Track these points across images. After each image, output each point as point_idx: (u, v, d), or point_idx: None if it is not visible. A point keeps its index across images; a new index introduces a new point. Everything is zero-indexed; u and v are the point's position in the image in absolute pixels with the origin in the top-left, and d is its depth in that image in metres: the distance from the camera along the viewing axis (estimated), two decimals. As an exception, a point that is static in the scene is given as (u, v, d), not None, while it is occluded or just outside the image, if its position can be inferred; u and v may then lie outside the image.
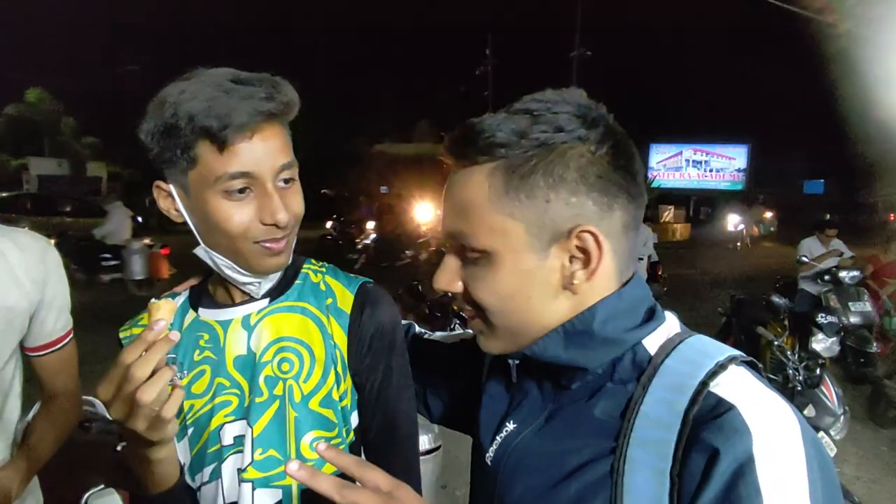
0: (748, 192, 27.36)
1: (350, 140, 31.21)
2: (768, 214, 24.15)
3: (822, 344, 4.32)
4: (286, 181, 0.92)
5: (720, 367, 0.67)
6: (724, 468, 0.59)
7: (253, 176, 0.87)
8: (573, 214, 0.69)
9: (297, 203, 0.94)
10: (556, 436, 0.75)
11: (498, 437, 0.82)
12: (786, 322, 5.05)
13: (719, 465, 0.60)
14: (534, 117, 0.69)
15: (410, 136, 37.44)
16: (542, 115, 0.69)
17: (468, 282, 0.75)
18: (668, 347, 0.71)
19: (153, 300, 0.83)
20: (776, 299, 5.05)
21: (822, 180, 31.03)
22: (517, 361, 0.81)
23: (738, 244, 20.47)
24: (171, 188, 0.92)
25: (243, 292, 0.99)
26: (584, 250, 0.70)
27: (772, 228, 23.77)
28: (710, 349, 0.70)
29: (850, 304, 5.83)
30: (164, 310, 0.80)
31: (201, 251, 0.94)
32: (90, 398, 2.06)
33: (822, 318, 4.41)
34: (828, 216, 7.17)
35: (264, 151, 0.88)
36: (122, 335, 1.03)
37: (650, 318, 0.75)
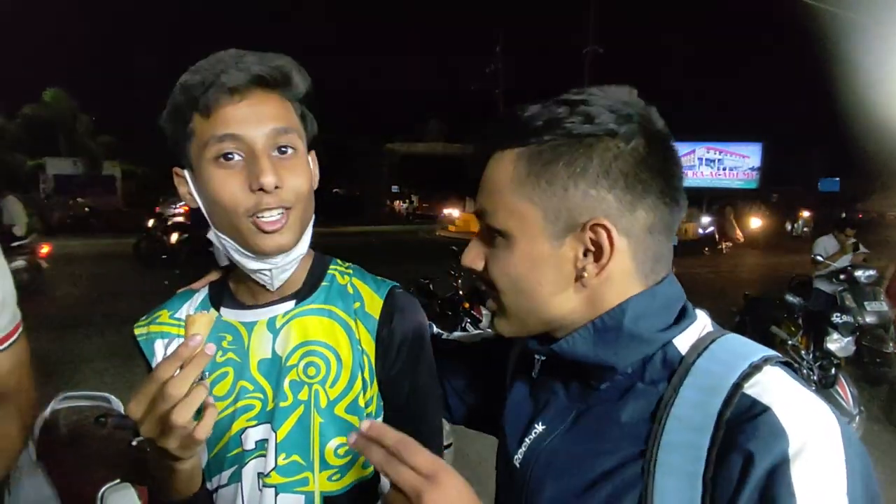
0: (761, 190, 27.09)
1: (360, 138, 31.26)
2: (805, 214, 22.81)
3: (838, 344, 4.28)
4: (282, 150, 0.87)
5: (754, 369, 0.66)
6: (758, 471, 0.58)
7: (239, 139, 0.84)
8: (590, 207, 0.69)
9: (298, 175, 0.88)
10: (585, 438, 0.74)
11: (527, 440, 0.80)
12: (800, 321, 5.00)
13: (754, 468, 0.59)
14: (569, 108, 0.70)
15: (422, 135, 37.47)
16: (577, 106, 0.70)
17: (488, 261, 0.77)
18: (700, 347, 0.70)
19: (189, 313, 0.81)
20: (790, 298, 5.00)
21: (837, 179, 30.67)
22: (543, 357, 0.81)
23: (706, 250, 17.61)
24: (185, 172, 0.91)
25: (267, 291, 0.96)
26: (597, 244, 0.70)
27: (805, 229, 22.06)
28: (744, 349, 0.69)
29: (865, 303, 5.75)
30: (201, 323, 0.78)
31: (213, 235, 0.92)
32: (105, 394, 2.09)
33: (837, 318, 4.36)
34: (845, 215, 7.07)
35: (253, 115, 0.85)
36: (136, 332, 1.01)
37: (682, 317, 0.74)
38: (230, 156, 0.85)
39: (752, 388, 0.64)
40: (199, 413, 0.75)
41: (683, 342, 0.72)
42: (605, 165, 0.69)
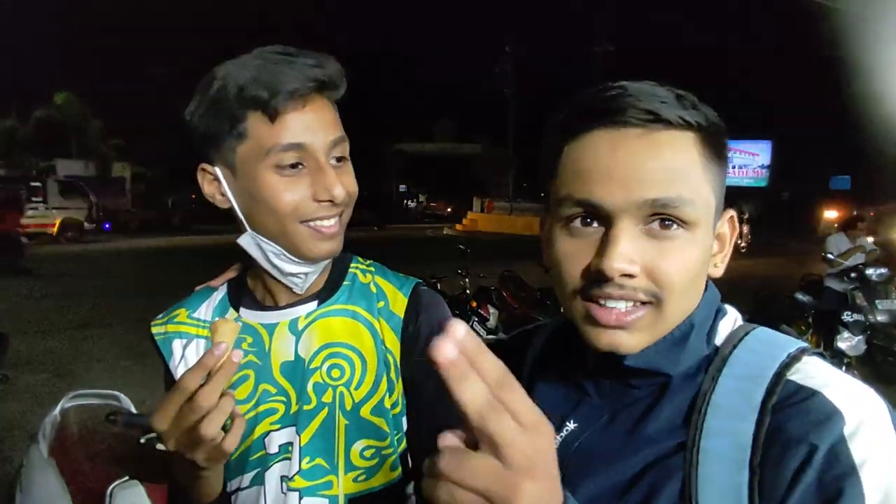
0: (771, 188, 26.91)
1: (368, 138, 31.34)
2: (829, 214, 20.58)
3: (848, 342, 4.24)
4: (338, 159, 0.88)
5: (793, 359, 0.65)
6: (818, 453, 0.57)
7: (306, 149, 0.83)
8: (723, 198, 0.70)
9: (352, 182, 0.89)
10: (623, 435, 0.72)
11: (558, 437, 0.77)
12: (810, 320, 4.96)
13: (812, 450, 0.58)
14: (693, 98, 0.68)
15: (430, 134, 37.49)
16: (694, 98, 0.68)
17: (654, 259, 0.65)
18: (735, 339, 0.70)
19: (215, 319, 0.79)
20: (800, 297, 4.97)
21: (848, 176, 30.37)
22: (596, 355, 0.73)
23: None
24: (217, 170, 0.88)
25: (289, 291, 0.94)
26: (721, 235, 0.71)
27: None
28: (780, 340, 0.69)
29: (877, 301, 5.69)
30: (226, 331, 0.75)
31: (247, 239, 0.89)
32: (115, 392, 2.11)
33: (847, 317, 4.33)
34: (855, 212, 7.03)
35: (317, 123, 0.84)
36: (154, 330, 0.98)
37: (717, 314, 0.74)
38: (295, 165, 0.84)
39: (795, 375, 0.63)
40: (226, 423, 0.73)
41: (719, 335, 0.72)
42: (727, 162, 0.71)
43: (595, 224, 0.68)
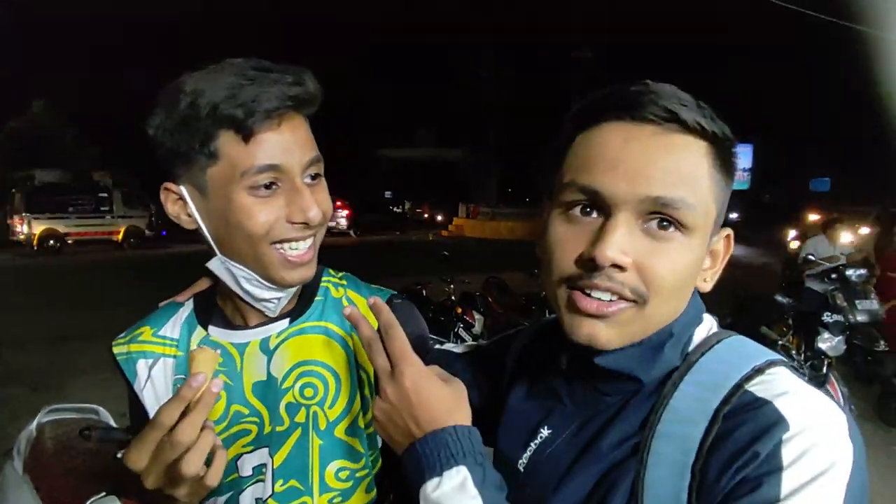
0: (753, 190, 27.26)
1: (353, 144, 31.26)
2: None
3: (828, 343, 4.29)
4: (314, 177, 0.85)
5: (758, 371, 0.65)
6: (755, 459, 0.58)
7: (281, 170, 0.80)
8: (723, 214, 0.70)
9: (326, 200, 0.86)
10: (587, 443, 0.72)
11: (532, 444, 0.79)
12: (790, 321, 5.02)
13: (751, 456, 0.58)
14: (711, 111, 0.68)
15: (414, 140, 37.51)
16: (711, 110, 0.68)
17: (647, 257, 0.65)
18: (705, 346, 0.70)
19: (193, 348, 0.77)
20: (780, 298, 5.03)
21: (828, 178, 30.85)
22: (570, 354, 0.76)
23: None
24: (183, 190, 0.83)
25: (259, 312, 0.91)
26: (714, 252, 0.72)
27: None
28: (750, 351, 0.69)
29: (857, 301, 5.78)
30: (205, 361, 0.73)
31: (217, 263, 0.86)
32: (93, 406, 2.07)
33: (827, 317, 4.39)
34: (835, 215, 7.15)
35: (293, 142, 0.80)
36: (115, 350, 0.94)
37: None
38: (270, 185, 0.80)
39: (755, 386, 0.64)
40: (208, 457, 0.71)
41: (692, 343, 0.72)
42: (734, 179, 0.71)
43: (594, 214, 0.68)
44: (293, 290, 0.90)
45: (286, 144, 0.79)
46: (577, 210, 0.68)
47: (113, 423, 2.06)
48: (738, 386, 0.64)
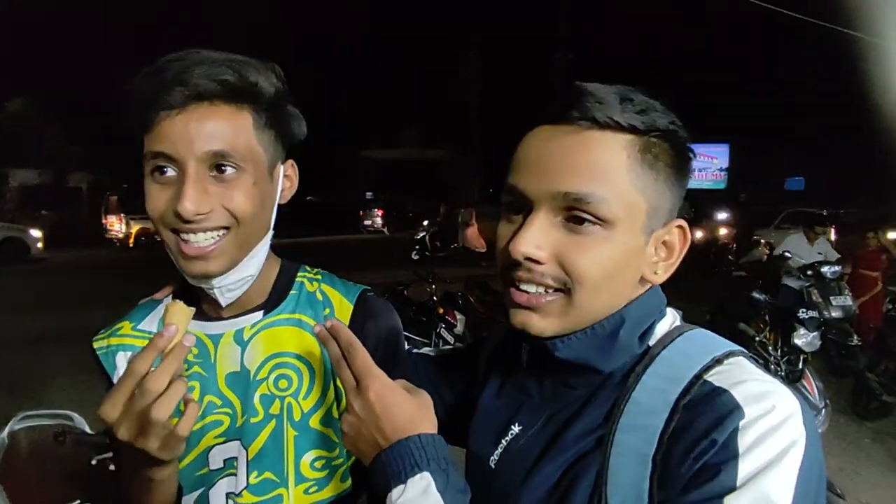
0: (730, 190, 27.63)
1: (335, 145, 31.11)
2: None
3: (804, 339, 4.37)
4: (221, 169, 0.82)
5: (716, 362, 0.67)
6: (713, 447, 0.60)
7: (171, 157, 0.80)
8: (672, 207, 0.72)
9: (238, 199, 0.82)
10: (553, 436, 0.74)
11: (503, 441, 0.80)
12: (767, 318, 5.10)
13: (709, 444, 0.60)
14: (652, 106, 0.70)
15: (398, 142, 37.39)
16: (656, 105, 0.70)
17: (565, 250, 0.68)
18: (667, 339, 0.72)
19: (170, 302, 0.78)
20: (756, 296, 5.10)
21: (802, 178, 31.40)
22: (528, 347, 0.78)
23: None
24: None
25: (233, 304, 0.91)
26: (668, 244, 0.73)
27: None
28: (710, 344, 0.71)
29: (831, 297, 5.90)
30: (178, 313, 0.75)
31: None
32: (67, 412, 2.04)
33: (802, 314, 4.46)
34: (819, 214, 7.29)
35: (189, 133, 0.79)
36: (95, 345, 0.95)
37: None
38: (164, 170, 0.81)
39: (714, 377, 0.66)
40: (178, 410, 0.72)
41: (654, 336, 0.74)
42: (685, 171, 0.73)
43: (522, 212, 0.72)
44: (228, 284, 0.87)
45: (178, 134, 0.79)
46: (509, 209, 0.73)
47: (87, 429, 2.04)
48: (698, 377, 0.66)
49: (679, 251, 0.74)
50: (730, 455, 0.59)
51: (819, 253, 6.70)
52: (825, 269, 5.97)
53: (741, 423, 0.60)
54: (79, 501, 1.47)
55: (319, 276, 1.01)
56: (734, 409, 0.61)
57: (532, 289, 0.71)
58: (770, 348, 4.43)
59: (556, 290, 0.70)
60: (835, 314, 5.82)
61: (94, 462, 1.18)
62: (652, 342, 0.73)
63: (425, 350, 1.13)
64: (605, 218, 0.67)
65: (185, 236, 0.82)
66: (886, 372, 5.02)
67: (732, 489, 0.58)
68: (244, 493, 0.88)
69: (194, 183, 0.79)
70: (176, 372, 0.71)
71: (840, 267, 6.20)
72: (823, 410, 3.65)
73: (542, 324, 0.72)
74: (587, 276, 0.68)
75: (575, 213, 0.68)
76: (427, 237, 14.12)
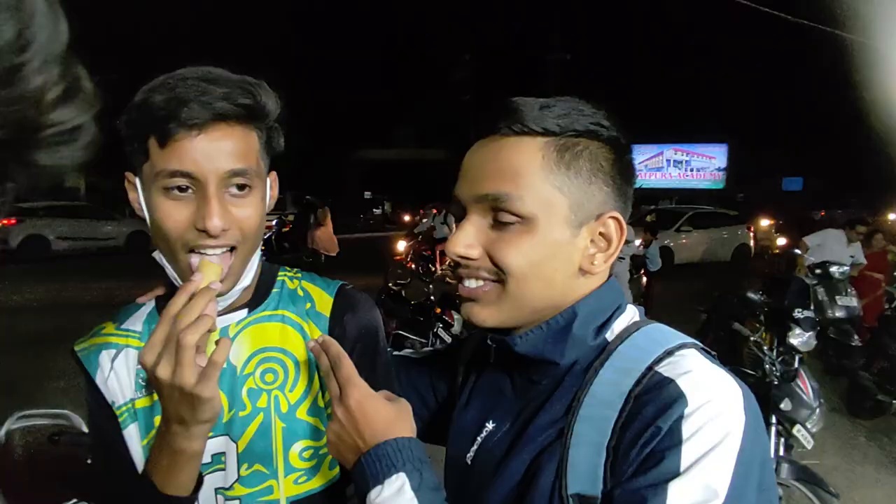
0: (728, 190, 27.67)
1: (331, 145, 31.10)
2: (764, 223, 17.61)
3: (799, 339, 4.36)
4: (240, 188, 0.86)
5: (667, 353, 0.72)
6: (660, 434, 0.64)
7: (193, 176, 0.82)
8: (603, 201, 0.77)
9: (248, 215, 0.87)
10: (525, 429, 0.78)
11: (478, 438, 0.85)
12: (762, 318, 5.11)
13: (654, 431, 0.65)
14: (577, 110, 0.76)
15: (391, 141, 37.41)
16: (583, 109, 0.76)
17: (494, 246, 0.76)
18: (625, 334, 0.76)
19: (204, 258, 0.84)
20: (751, 295, 5.10)
21: (800, 178, 31.46)
22: (494, 345, 0.84)
23: None
24: (137, 181, 0.88)
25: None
26: (605, 236, 0.78)
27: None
28: (663, 337, 0.76)
29: (836, 297, 5.92)
30: (209, 270, 0.82)
31: (158, 255, 0.90)
32: (65, 412, 2.04)
33: (798, 313, 4.46)
34: (863, 216, 7.26)
35: (210, 152, 0.82)
36: (76, 348, 0.96)
37: (615, 312, 0.80)
38: (182, 188, 0.83)
39: (664, 368, 0.70)
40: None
41: (612, 332, 0.78)
42: (614, 165, 0.77)
43: (461, 219, 0.80)
44: (232, 292, 0.91)
45: (200, 153, 0.82)
46: (455, 216, 0.82)
47: (85, 429, 2.04)
48: (649, 368, 0.71)
49: (617, 242, 0.78)
50: (674, 441, 0.63)
51: (851, 256, 6.62)
52: (833, 268, 5.99)
53: (685, 410, 0.65)
54: (74, 501, 1.47)
55: (299, 275, 1.06)
56: (678, 398, 0.66)
57: (472, 283, 0.79)
58: (765, 348, 4.42)
59: (493, 281, 0.78)
60: (838, 314, 5.83)
61: (89, 461, 1.19)
62: (610, 337, 0.78)
63: (406, 352, 1.16)
64: (523, 214, 0.74)
65: (196, 254, 0.86)
66: (882, 371, 5.04)
67: (676, 474, 0.62)
68: (235, 486, 0.91)
69: (217, 200, 0.83)
70: (204, 308, 0.77)
71: (848, 267, 6.21)
72: (818, 410, 3.65)
73: (483, 313, 0.79)
74: (514, 266, 0.75)
75: (498, 213, 0.76)
76: (273, 237, 12.24)
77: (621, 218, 0.78)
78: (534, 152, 0.75)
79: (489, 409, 0.87)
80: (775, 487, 0.68)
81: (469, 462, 0.85)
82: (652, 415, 0.66)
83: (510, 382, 0.85)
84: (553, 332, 0.77)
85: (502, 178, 0.75)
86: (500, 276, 0.77)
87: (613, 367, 0.73)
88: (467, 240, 0.78)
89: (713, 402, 0.65)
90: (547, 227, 0.75)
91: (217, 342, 0.79)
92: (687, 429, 0.64)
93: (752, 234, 16.11)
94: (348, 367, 0.80)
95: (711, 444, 0.63)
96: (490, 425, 0.85)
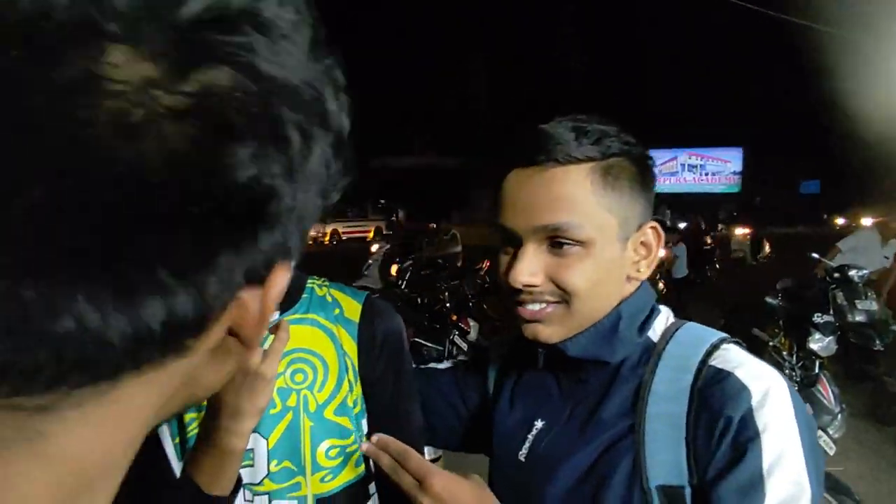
0: (744, 194, 27.44)
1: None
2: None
3: (819, 343, 4.32)
4: None
5: (714, 347, 0.81)
6: (732, 423, 0.72)
7: None
8: (641, 213, 0.84)
9: None
10: (581, 425, 0.85)
11: (529, 436, 0.90)
12: (781, 323, 5.05)
13: (727, 420, 0.72)
14: (605, 132, 0.82)
15: (410, 150, 37.53)
16: (608, 130, 0.82)
17: (556, 271, 0.81)
18: (668, 335, 0.84)
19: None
20: (770, 301, 5.06)
21: (818, 181, 31.08)
22: (543, 351, 0.89)
23: None
24: None
25: None
26: (646, 244, 0.86)
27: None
28: (704, 334, 0.84)
29: (856, 301, 5.82)
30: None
31: None
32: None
33: (817, 318, 4.41)
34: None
35: None
36: None
37: (651, 312, 0.88)
38: None
39: (716, 361, 0.79)
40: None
41: (654, 332, 0.85)
42: (646, 178, 0.84)
43: (514, 245, 0.84)
44: None
45: None
46: (503, 243, 0.86)
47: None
48: (703, 362, 0.78)
49: (656, 248, 0.86)
50: (751, 434, 0.71)
51: (885, 257, 6.46)
52: (852, 272, 5.89)
53: (752, 402, 0.73)
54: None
55: (327, 284, 1.09)
56: (741, 389, 0.74)
57: (536, 306, 0.84)
58: (784, 353, 4.39)
59: (556, 302, 0.83)
60: (858, 318, 5.73)
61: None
62: (653, 335, 0.85)
63: (433, 365, 1.18)
64: (582, 239, 0.80)
65: None
66: (906, 377, 4.95)
67: (761, 473, 0.69)
68: (265, 482, 0.94)
69: None
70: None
71: (868, 271, 6.10)
72: (839, 416, 3.59)
73: (547, 331, 0.84)
74: (579, 288, 0.81)
75: (556, 240, 0.81)
76: None
77: (657, 225, 0.86)
78: (582, 179, 0.80)
79: (536, 408, 0.92)
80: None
81: (523, 459, 0.90)
82: (719, 406, 0.74)
83: (556, 382, 0.91)
84: (602, 334, 0.83)
85: (559, 208, 0.79)
86: (564, 297, 0.82)
87: (668, 366, 0.80)
88: (531, 268, 0.82)
89: (771, 392, 0.74)
90: (602, 247, 0.81)
91: (275, 325, 0.82)
92: (760, 420, 0.72)
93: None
94: (417, 457, 0.80)
95: (783, 434, 0.72)
96: (539, 423, 0.90)
